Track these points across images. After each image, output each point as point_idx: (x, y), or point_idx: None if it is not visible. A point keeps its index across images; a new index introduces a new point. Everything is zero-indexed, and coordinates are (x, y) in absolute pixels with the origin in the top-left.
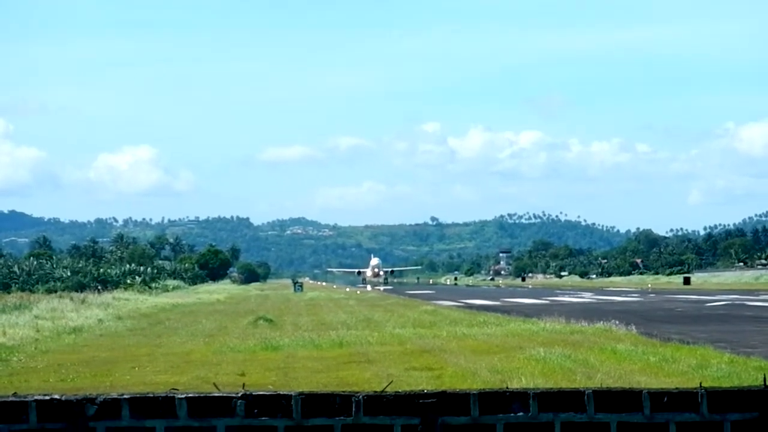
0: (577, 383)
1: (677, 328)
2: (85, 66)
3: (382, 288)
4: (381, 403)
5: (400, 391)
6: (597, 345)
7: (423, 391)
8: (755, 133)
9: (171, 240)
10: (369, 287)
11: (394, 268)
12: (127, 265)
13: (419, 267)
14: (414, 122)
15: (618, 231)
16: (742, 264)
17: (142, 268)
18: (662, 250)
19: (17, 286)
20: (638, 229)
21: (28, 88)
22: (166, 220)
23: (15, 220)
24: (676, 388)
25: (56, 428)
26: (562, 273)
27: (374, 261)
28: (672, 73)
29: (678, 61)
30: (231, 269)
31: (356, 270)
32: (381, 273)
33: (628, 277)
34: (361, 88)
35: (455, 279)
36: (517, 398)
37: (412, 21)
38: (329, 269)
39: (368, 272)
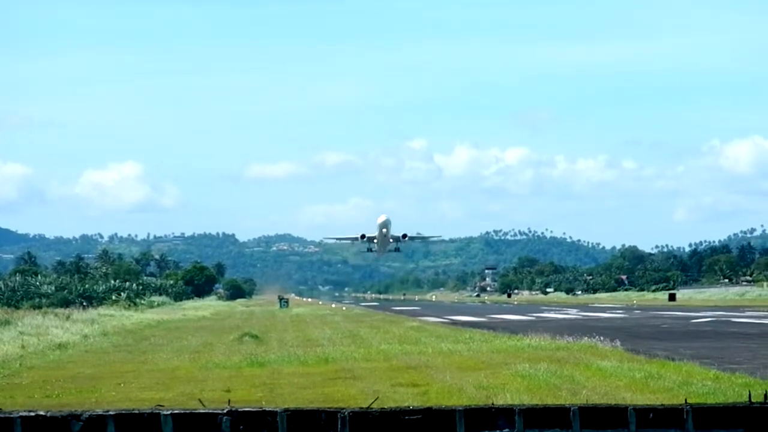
0: (563, 399)
1: (663, 344)
2: (70, 81)
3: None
4: (367, 419)
5: (385, 407)
6: (582, 361)
7: (409, 407)
8: (740, 150)
9: (156, 256)
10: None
11: (409, 234)
12: (113, 282)
13: (440, 236)
14: (400, 139)
15: (603, 248)
16: (727, 281)
17: (127, 285)
18: (647, 266)
19: (2, 301)
20: (624, 245)
21: (13, 102)
22: (151, 237)
23: (0, 236)
24: (662, 405)
25: None
26: (548, 289)
27: (382, 218)
28: (658, 89)
29: (663, 77)
30: (216, 285)
31: (359, 235)
32: (391, 240)
33: (613, 294)
34: (347, 104)
35: (441, 294)
36: (503, 415)
37: (398, 36)
38: (326, 238)
39: (376, 237)
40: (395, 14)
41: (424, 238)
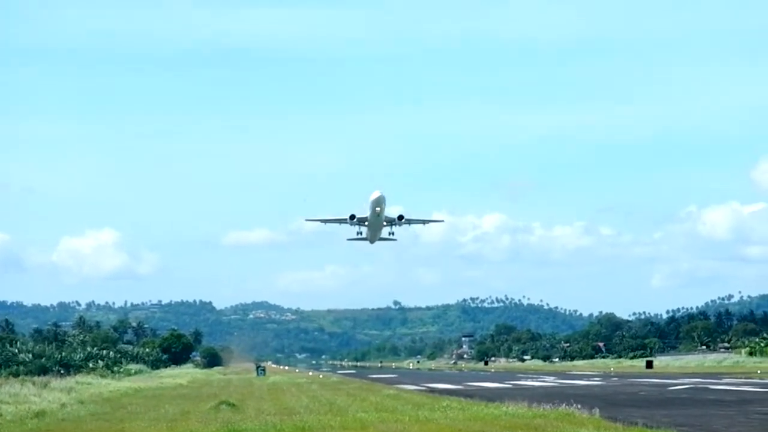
0: None
1: (641, 412)
2: (47, 148)
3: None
4: None
5: None
6: (559, 430)
7: None
8: (718, 216)
9: (134, 324)
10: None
11: (405, 215)
12: (90, 349)
13: (442, 221)
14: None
15: (581, 315)
16: (704, 347)
17: (104, 352)
18: (625, 333)
19: None
20: (601, 312)
21: None
22: (128, 304)
23: None
24: None
25: None
26: (525, 357)
27: (376, 194)
28: (635, 156)
29: (640, 144)
30: (194, 353)
31: (348, 216)
32: (384, 222)
33: (590, 361)
34: (324, 171)
35: (417, 362)
36: None
37: (374, 103)
38: (309, 219)
39: (367, 218)
40: (371, 82)
41: (423, 221)
